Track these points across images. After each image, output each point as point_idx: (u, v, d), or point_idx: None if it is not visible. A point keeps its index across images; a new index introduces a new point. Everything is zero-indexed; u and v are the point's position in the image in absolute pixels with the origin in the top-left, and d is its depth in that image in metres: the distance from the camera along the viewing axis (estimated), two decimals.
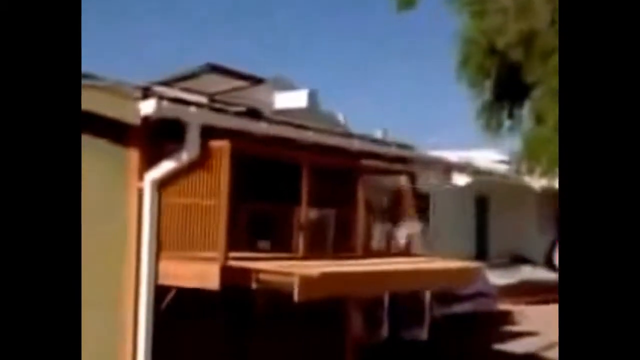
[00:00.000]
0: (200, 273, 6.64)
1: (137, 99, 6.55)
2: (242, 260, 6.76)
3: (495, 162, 21.04)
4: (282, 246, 7.84)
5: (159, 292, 6.78)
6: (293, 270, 6.43)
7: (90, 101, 4.71)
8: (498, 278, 15.28)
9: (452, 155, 17.74)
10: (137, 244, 6.78)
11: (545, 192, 18.40)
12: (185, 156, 6.68)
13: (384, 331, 11.43)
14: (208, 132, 6.79)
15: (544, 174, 13.46)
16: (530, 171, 14.73)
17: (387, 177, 9.58)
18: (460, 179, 16.53)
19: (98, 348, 6.37)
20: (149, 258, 6.76)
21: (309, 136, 8.27)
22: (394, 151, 9.77)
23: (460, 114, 34.16)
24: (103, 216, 6.81)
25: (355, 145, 9.07)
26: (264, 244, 8.08)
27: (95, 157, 6.56)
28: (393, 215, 9.43)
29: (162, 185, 6.87)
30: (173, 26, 43.00)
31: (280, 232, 8.02)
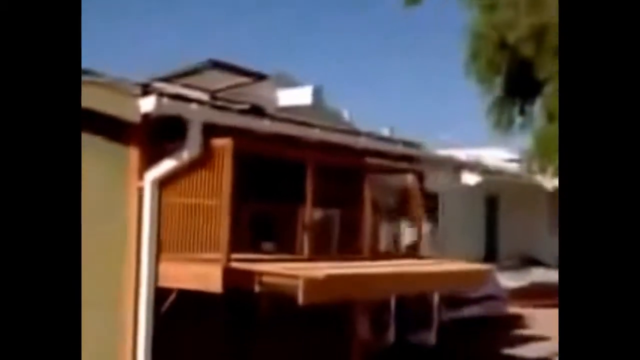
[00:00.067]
0: (202, 275, 6.65)
1: (136, 96, 6.56)
2: (244, 262, 6.77)
3: (506, 160, 21.00)
4: (286, 247, 7.84)
5: (160, 294, 6.79)
6: (297, 272, 6.43)
7: (89, 98, 4.73)
8: (508, 280, 15.26)
9: (461, 154, 17.73)
10: (137, 244, 6.79)
11: (558, 192, 18.35)
12: (186, 155, 6.69)
13: (391, 335, 11.42)
14: (210, 130, 6.80)
15: (556, 173, 13.44)
16: (542, 170, 14.70)
17: (394, 176, 9.57)
18: (470, 178, 16.50)
19: (97, 349, 6.39)
20: (149, 259, 6.77)
21: (314, 134, 8.27)
22: (401, 149, 9.77)
23: (470, 111, 34.13)
24: (102, 216, 6.83)
25: (361, 143, 9.07)
26: (267, 245, 8.08)
27: (94, 155, 6.57)
28: (400, 215, 9.42)
29: (162, 184, 6.88)
30: (173, 23, 43.12)
31: (284, 232, 8.02)
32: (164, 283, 6.81)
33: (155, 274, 6.79)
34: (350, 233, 8.49)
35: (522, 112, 17.79)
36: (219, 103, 8.24)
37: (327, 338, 8.84)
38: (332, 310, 8.06)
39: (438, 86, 47.38)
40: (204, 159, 6.76)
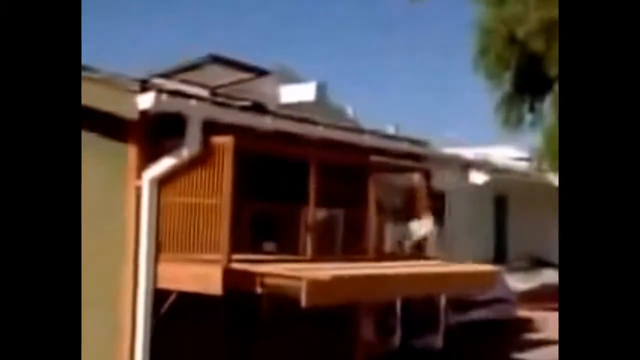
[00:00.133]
0: (202, 276, 6.65)
1: (134, 92, 6.56)
2: (246, 263, 6.77)
3: (515, 159, 20.97)
4: (288, 248, 7.84)
5: (159, 296, 6.79)
6: (300, 273, 6.43)
7: (85, 94, 4.73)
8: (518, 282, 15.24)
9: (469, 152, 17.71)
10: (135, 245, 6.79)
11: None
12: (185, 153, 6.69)
13: (396, 339, 11.41)
14: (210, 127, 6.79)
15: None
16: (553, 169, 14.69)
17: (399, 175, 9.56)
18: (478, 177, 16.48)
19: (94, 351, 6.39)
20: (148, 260, 6.77)
21: (317, 131, 8.27)
22: (406, 147, 9.76)
23: (478, 108, 34.11)
24: (99, 216, 6.82)
25: (366, 141, 9.06)
26: (269, 245, 8.08)
27: (91, 154, 6.56)
28: (406, 215, 9.41)
29: (161, 183, 6.88)
30: (172, 21, 43.20)
31: (286, 233, 8.02)
32: (162, 284, 6.81)
33: (153, 275, 6.79)
34: (355, 233, 8.49)
35: (531, 109, 17.74)
36: (220, 99, 8.24)
37: (331, 341, 8.84)
38: (335, 313, 8.06)
39: (443, 83, 47.40)
40: (204, 157, 6.76)
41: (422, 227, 9.21)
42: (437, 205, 11.80)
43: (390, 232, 9.41)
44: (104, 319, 6.71)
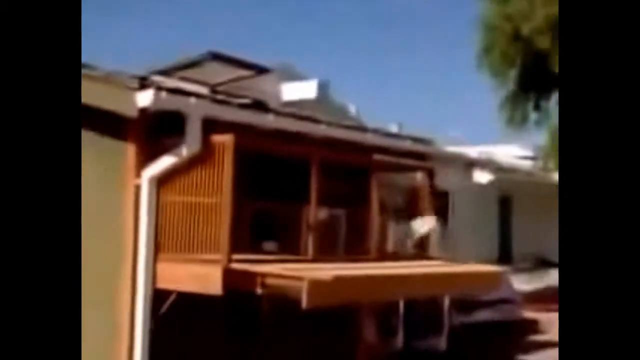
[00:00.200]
0: (202, 276, 6.67)
1: (133, 90, 6.57)
2: (246, 263, 6.78)
3: (520, 158, 20.98)
4: (289, 248, 7.85)
5: (158, 296, 6.80)
6: (301, 273, 6.44)
7: (84, 92, 4.73)
8: (523, 283, 15.25)
9: (473, 151, 17.73)
10: (133, 244, 6.81)
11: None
12: (185, 151, 6.69)
13: (399, 340, 11.42)
14: (210, 126, 6.80)
15: None
16: (558, 168, 14.68)
17: (402, 174, 9.57)
18: (482, 177, 16.49)
19: (92, 351, 6.41)
20: (147, 260, 6.79)
21: (319, 130, 8.28)
22: (409, 146, 9.77)
23: (482, 106, 34.09)
24: (98, 215, 6.84)
25: (369, 139, 9.07)
26: (269, 245, 8.09)
27: (89, 152, 6.54)
28: (409, 215, 9.41)
29: (160, 182, 6.89)
30: (171, 18, 43.23)
31: (287, 232, 8.03)
32: (162, 284, 6.82)
33: (152, 275, 6.80)
34: (357, 233, 8.49)
35: (536, 107, 17.73)
36: (220, 97, 8.25)
37: (332, 343, 8.85)
38: (337, 314, 8.06)
39: (446, 81, 47.40)
40: (204, 156, 6.77)
41: (425, 226, 9.21)
42: (441, 205, 11.80)
43: (393, 231, 9.42)
44: (102, 319, 6.73)
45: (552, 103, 16.56)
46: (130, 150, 6.87)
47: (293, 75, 14.53)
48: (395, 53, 45.89)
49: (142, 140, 6.84)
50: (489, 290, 11.62)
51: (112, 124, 6.82)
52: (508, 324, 13.61)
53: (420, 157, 9.85)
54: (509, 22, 15.81)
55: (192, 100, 6.85)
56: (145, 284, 6.76)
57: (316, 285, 6.27)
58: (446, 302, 11.98)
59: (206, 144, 6.76)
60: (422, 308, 11.56)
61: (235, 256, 6.74)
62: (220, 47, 8.48)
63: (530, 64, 16.02)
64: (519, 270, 16.04)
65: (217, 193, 6.75)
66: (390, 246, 9.19)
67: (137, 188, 6.82)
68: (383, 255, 8.60)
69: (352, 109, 16.93)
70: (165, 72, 8.57)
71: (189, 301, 6.76)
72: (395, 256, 8.97)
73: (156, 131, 6.82)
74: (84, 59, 5.69)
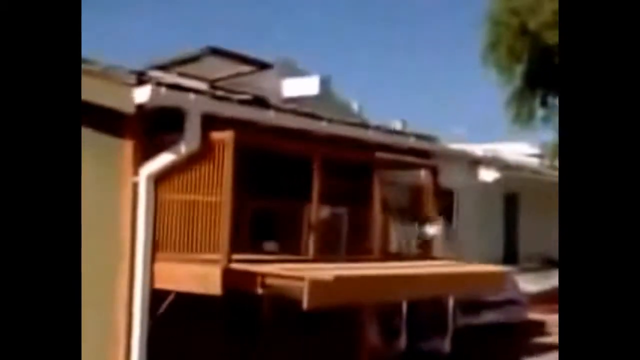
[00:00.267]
0: (201, 276, 6.67)
1: (131, 85, 6.56)
2: (246, 263, 6.78)
3: (526, 155, 20.96)
4: (289, 247, 7.85)
5: (156, 296, 6.81)
6: (302, 273, 6.44)
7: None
8: (529, 284, 15.24)
9: (478, 149, 17.70)
10: (131, 243, 6.81)
11: None
12: (184, 148, 6.70)
13: (402, 342, 11.43)
14: (209, 122, 6.80)
15: None
16: None
17: (406, 172, 9.56)
18: (487, 175, 16.47)
19: (89, 352, 6.42)
20: (144, 259, 6.79)
21: (321, 127, 8.27)
22: (413, 143, 9.76)
23: (487, 102, 34.09)
24: (94, 213, 6.82)
25: (372, 136, 9.06)
26: (270, 245, 8.10)
27: (86, 149, 6.50)
28: (413, 214, 9.41)
29: (159, 180, 6.89)
30: (170, 13, 43.25)
31: (288, 232, 8.03)
32: (160, 284, 6.82)
33: (150, 275, 6.81)
34: (359, 232, 8.49)
35: (544, 103, 17.71)
36: (219, 93, 8.24)
37: (334, 344, 8.85)
38: (338, 315, 8.07)
39: (449, 78, 47.42)
40: (203, 153, 6.77)
41: (430, 231, 9.21)
42: (445, 203, 11.80)
43: (396, 231, 9.42)
44: (99, 320, 6.73)
45: None
46: (127, 147, 6.87)
47: (294, 71, 14.52)
48: (404, 49, 45.99)
49: (140, 137, 6.84)
50: (494, 291, 11.61)
51: (110, 121, 6.82)
52: (513, 326, 13.61)
53: (424, 154, 9.84)
54: (516, 16, 15.78)
55: (191, 96, 6.85)
56: (143, 283, 6.76)
57: (317, 285, 6.28)
58: (450, 303, 11.98)
59: (205, 141, 6.76)
60: (425, 309, 11.57)
61: (235, 256, 6.74)
62: (221, 45, 8.48)
63: (538, 60, 15.99)
64: (524, 271, 16.03)
65: (216, 191, 6.75)
66: (393, 246, 9.19)
67: (135, 186, 6.82)
68: (386, 255, 8.60)
69: (354, 106, 16.92)
70: (163, 68, 8.56)
71: (187, 301, 6.76)
72: (398, 256, 8.97)
73: (154, 128, 6.82)
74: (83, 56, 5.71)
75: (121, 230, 6.85)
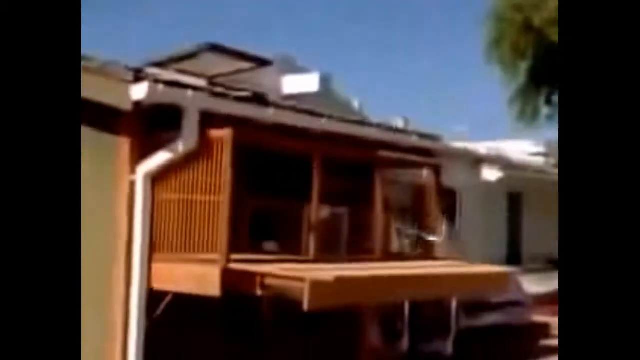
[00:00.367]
0: (199, 277, 6.68)
1: (128, 82, 6.57)
2: (245, 263, 6.79)
3: (531, 154, 20.94)
4: (289, 247, 7.87)
5: (154, 297, 6.82)
6: (303, 274, 6.45)
7: None
8: (533, 285, 15.23)
9: (481, 147, 17.69)
10: (127, 243, 6.82)
11: None
12: (182, 146, 6.70)
13: (404, 344, 11.44)
14: (208, 119, 6.81)
15: None
16: None
17: (408, 171, 9.58)
18: (491, 174, 16.47)
19: (85, 354, 6.44)
20: (141, 259, 6.80)
21: (321, 124, 8.28)
22: (416, 142, 9.77)
23: (490, 100, 34.13)
24: (90, 212, 6.79)
25: (373, 134, 9.08)
26: (270, 245, 8.11)
27: (82, 146, 6.59)
28: (415, 213, 9.42)
29: (156, 178, 6.90)
30: (169, 10, 43.36)
31: (288, 231, 8.04)
32: (157, 285, 6.84)
33: (147, 276, 6.82)
34: (361, 233, 8.51)
35: (548, 101, 17.71)
36: (218, 90, 8.25)
37: (335, 347, 8.86)
38: (339, 316, 8.08)
39: (450, 75, 47.49)
40: (201, 151, 6.78)
41: (430, 229, 9.22)
42: (448, 203, 11.81)
43: (398, 231, 9.43)
44: (94, 321, 6.73)
45: None
46: (124, 145, 6.88)
47: (294, 68, 14.53)
48: (407, 46, 46.10)
49: (137, 135, 6.85)
50: (498, 293, 11.63)
51: (106, 118, 6.83)
52: (517, 328, 13.61)
53: (427, 153, 9.86)
54: (520, 12, 15.79)
55: (189, 93, 6.85)
56: (140, 284, 6.77)
57: (318, 286, 6.29)
58: (453, 304, 11.99)
59: (203, 139, 6.77)
60: (428, 310, 11.58)
61: (234, 256, 6.75)
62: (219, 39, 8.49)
63: (542, 56, 15.99)
64: (528, 272, 16.01)
65: (215, 190, 6.76)
66: (395, 246, 9.21)
67: (132, 185, 6.83)
68: (387, 255, 8.61)
69: (355, 104, 16.93)
70: (161, 64, 8.56)
71: (185, 302, 6.78)
72: (400, 256, 8.99)
73: (151, 125, 6.83)
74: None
75: (118, 229, 6.86)
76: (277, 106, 8.20)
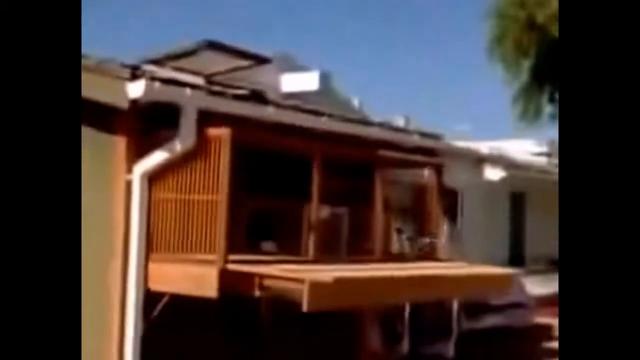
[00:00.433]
0: (196, 278, 6.68)
1: (124, 80, 6.57)
2: (243, 264, 6.79)
3: (533, 154, 20.94)
4: (288, 248, 7.86)
5: (150, 298, 6.82)
6: (302, 275, 6.45)
7: None
8: (536, 286, 15.23)
9: (483, 146, 17.69)
10: (124, 243, 6.82)
11: None
12: (179, 145, 6.71)
13: (404, 346, 11.44)
14: (205, 118, 6.81)
15: None
16: None
17: (409, 171, 9.57)
18: (493, 174, 16.47)
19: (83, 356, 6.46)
20: (138, 260, 6.80)
21: (321, 123, 8.28)
22: (417, 141, 9.77)
23: (492, 98, 34.17)
24: (86, 212, 6.79)
25: (373, 133, 9.07)
26: (268, 245, 8.10)
27: None
28: (416, 214, 9.42)
29: (153, 178, 6.90)
30: (167, 7, 43.39)
31: (286, 232, 8.04)
32: (154, 286, 6.84)
33: (144, 276, 6.82)
34: (360, 233, 8.51)
35: (551, 100, 17.69)
36: (216, 88, 8.24)
37: (334, 349, 8.86)
38: (339, 318, 8.08)
39: (453, 73, 47.52)
40: (199, 150, 6.78)
41: (432, 230, 9.22)
42: (450, 203, 11.81)
43: (398, 232, 9.43)
44: (90, 322, 6.73)
45: None
46: (120, 144, 6.87)
47: (293, 67, 14.52)
48: (408, 44, 46.17)
49: (134, 134, 6.85)
50: (500, 294, 11.63)
51: (102, 116, 6.83)
52: (520, 330, 13.61)
53: (428, 152, 9.85)
54: (523, 9, 15.77)
55: (187, 91, 6.85)
56: (137, 285, 6.78)
57: (317, 287, 6.29)
58: (455, 306, 11.99)
59: (201, 138, 6.77)
60: (429, 312, 11.57)
61: (232, 256, 6.75)
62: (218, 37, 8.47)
63: (545, 54, 15.97)
64: (531, 273, 16.01)
65: (212, 190, 6.76)
66: (395, 247, 9.20)
67: (128, 184, 6.83)
68: (388, 256, 8.61)
69: (355, 102, 16.92)
70: (158, 62, 8.55)
71: (182, 303, 6.77)
72: (401, 257, 8.98)
73: (148, 124, 6.83)
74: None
75: (114, 229, 6.86)
76: (276, 104, 8.20)
